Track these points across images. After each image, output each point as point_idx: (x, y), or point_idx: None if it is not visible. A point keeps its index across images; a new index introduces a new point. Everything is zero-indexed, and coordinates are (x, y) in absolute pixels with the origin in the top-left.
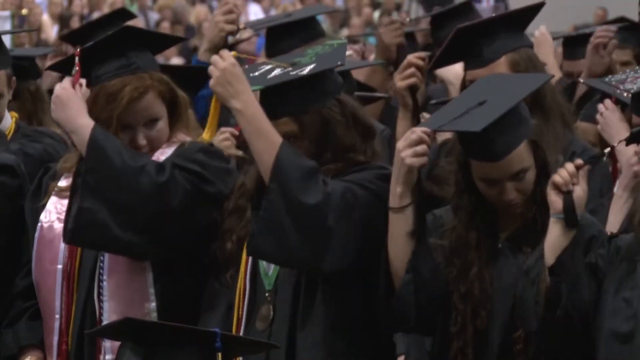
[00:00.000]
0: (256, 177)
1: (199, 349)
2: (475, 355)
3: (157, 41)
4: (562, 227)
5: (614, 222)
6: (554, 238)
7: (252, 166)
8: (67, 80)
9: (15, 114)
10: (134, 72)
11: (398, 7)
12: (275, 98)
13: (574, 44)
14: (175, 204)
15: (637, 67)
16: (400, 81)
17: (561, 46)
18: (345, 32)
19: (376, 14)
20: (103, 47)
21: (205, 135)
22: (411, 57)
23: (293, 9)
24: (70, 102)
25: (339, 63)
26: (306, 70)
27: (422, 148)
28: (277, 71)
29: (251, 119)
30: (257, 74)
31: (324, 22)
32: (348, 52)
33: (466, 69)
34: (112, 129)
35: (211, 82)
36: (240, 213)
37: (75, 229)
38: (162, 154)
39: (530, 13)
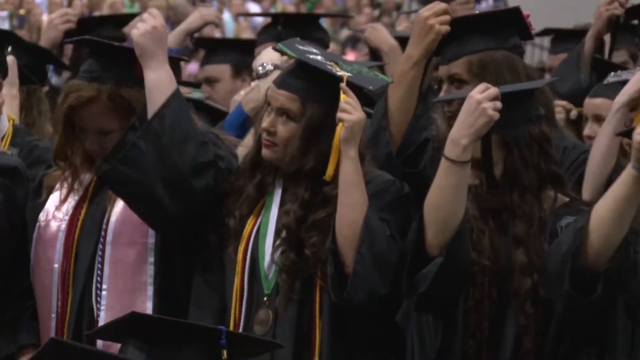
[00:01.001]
0: (252, 158)
1: (204, 346)
2: (492, 331)
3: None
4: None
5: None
6: (629, 191)
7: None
8: (159, 14)
9: (12, 117)
10: (91, 81)
11: (398, 7)
12: (299, 73)
13: (558, 39)
14: (212, 183)
15: None
16: (438, 25)
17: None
18: (345, 32)
19: (375, 13)
20: (92, 47)
21: (329, 171)
22: (448, 7)
23: (295, 9)
24: (164, 41)
25: (370, 87)
26: (342, 73)
27: (499, 104)
28: (318, 57)
29: (358, 171)
30: (300, 47)
31: (324, 21)
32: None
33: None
34: (60, 125)
35: (348, 125)
36: (238, 194)
37: (120, 160)
38: None
39: (505, 17)
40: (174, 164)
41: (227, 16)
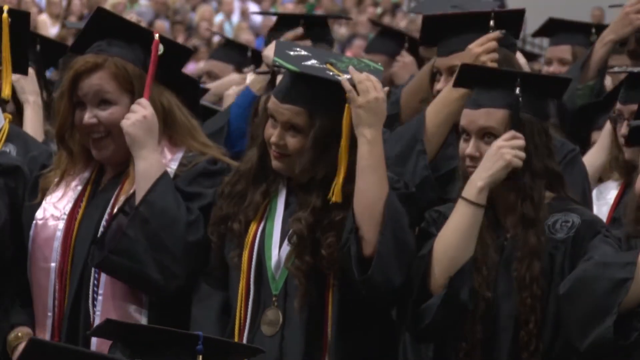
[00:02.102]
0: (256, 166)
1: (182, 352)
2: (486, 333)
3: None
4: None
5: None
6: None
7: (249, 151)
8: (148, 104)
9: (8, 115)
10: (98, 53)
11: (396, 7)
12: (302, 85)
13: (556, 29)
14: (204, 260)
15: None
16: (490, 61)
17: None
18: (344, 31)
19: (377, 12)
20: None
21: (336, 191)
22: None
23: (294, 8)
24: (155, 130)
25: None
26: (343, 77)
27: (523, 154)
28: (312, 61)
29: (376, 152)
30: (291, 53)
31: None
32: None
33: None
34: (64, 101)
35: (360, 101)
36: (240, 197)
37: (111, 251)
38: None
39: (509, 17)
40: (165, 247)
41: (221, 16)
